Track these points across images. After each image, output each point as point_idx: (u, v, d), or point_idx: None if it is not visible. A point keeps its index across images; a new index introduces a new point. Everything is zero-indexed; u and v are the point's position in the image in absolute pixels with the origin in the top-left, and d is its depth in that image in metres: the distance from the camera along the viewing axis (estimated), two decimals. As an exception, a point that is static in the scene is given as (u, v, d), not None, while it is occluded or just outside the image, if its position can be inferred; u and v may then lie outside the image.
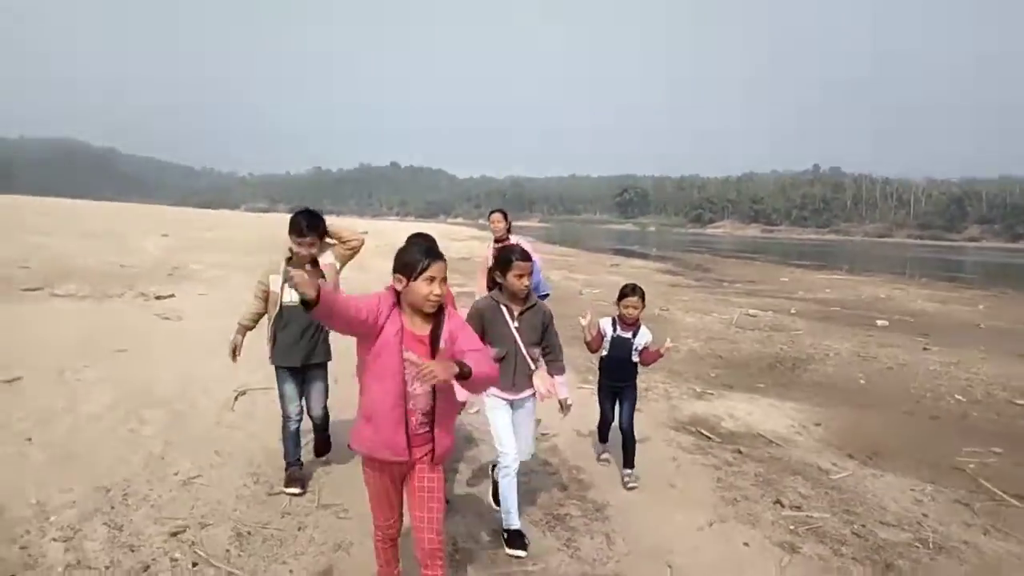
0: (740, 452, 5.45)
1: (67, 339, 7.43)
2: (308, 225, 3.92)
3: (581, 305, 13.89)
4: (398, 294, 2.63)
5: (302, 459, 4.25)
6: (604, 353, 4.75)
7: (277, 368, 4.11)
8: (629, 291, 4.65)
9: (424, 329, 2.63)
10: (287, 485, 4.07)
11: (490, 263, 6.32)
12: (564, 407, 3.86)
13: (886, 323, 14.12)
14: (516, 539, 3.60)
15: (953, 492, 4.81)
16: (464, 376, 2.49)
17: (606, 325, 4.71)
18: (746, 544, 3.81)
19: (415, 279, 2.57)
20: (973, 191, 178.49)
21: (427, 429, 2.65)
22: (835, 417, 6.78)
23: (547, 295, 6.39)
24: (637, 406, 5.54)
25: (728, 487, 4.63)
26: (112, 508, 3.65)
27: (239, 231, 31.36)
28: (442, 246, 6.45)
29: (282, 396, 4.14)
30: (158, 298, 11.22)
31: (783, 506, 4.34)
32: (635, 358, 4.70)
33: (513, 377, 3.64)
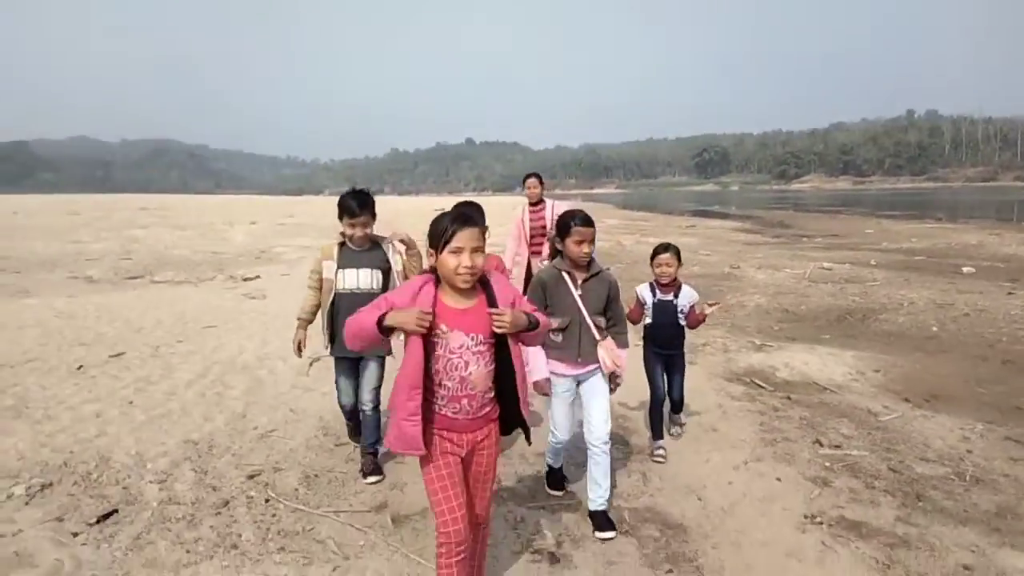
0: (789, 399, 5.53)
1: (164, 319, 8.17)
2: (360, 204, 3.76)
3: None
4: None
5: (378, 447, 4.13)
6: (648, 321, 4.44)
7: (336, 358, 4.01)
8: (661, 249, 4.36)
9: (467, 302, 2.41)
10: (350, 436, 4.45)
11: (525, 228, 6.53)
12: (613, 382, 3.54)
13: (972, 270, 13.51)
14: (556, 478, 3.84)
15: (1007, 430, 4.77)
16: (532, 328, 2.43)
17: (644, 292, 4.43)
18: (778, 479, 3.96)
19: (441, 251, 2.34)
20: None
21: (488, 409, 2.48)
22: (898, 364, 6.70)
23: None
24: (690, 359, 5.66)
25: (770, 430, 4.75)
26: (199, 457, 4.15)
27: (321, 215, 32.64)
28: (512, 218, 6.38)
29: (337, 386, 4.09)
30: (245, 280, 12.03)
31: (822, 445, 4.44)
32: (682, 321, 4.39)
33: (579, 348, 3.42)
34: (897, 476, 3.98)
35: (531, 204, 6.61)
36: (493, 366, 2.43)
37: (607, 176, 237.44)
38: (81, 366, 5.91)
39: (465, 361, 2.37)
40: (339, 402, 4.14)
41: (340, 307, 3.78)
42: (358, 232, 3.80)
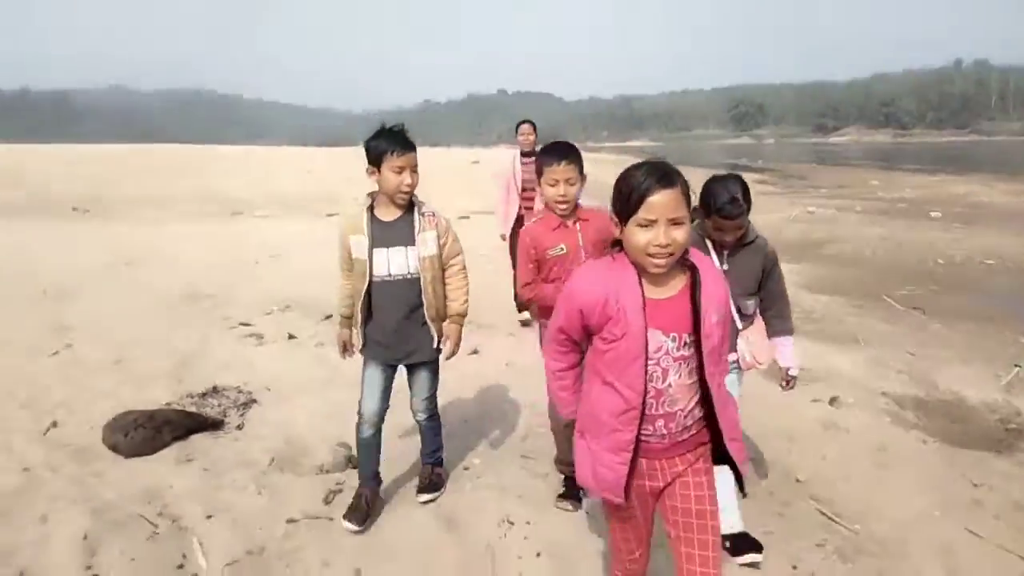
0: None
1: (286, 237, 11.11)
2: (405, 141, 2.85)
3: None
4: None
5: (380, 475, 3.21)
6: None
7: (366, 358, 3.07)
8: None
9: (665, 290, 1.83)
10: (346, 516, 3.01)
11: (517, 180, 6.20)
12: (787, 380, 3.00)
13: (939, 215, 15.70)
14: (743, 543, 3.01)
15: (856, 301, 7.46)
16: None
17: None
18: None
19: (626, 221, 1.79)
20: None
21: (695, 432, 1.92)
22: (818, 271, 9.36)
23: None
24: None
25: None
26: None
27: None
28: (507, 169, 8.73)
29: (363, 385, 3.07)
30: (328, 215, 14.96)
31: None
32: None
33: None
34: (767, 316, 6.73)
35: (523, 154, 6.27)
36: (696, 377, 1.86)
37: (640, 128, 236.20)
38: (257, 261, 8.87)
39: (663, 369, 1.83)
40: (360, 407, 3.09)
41: (378, 300, 2.94)
42: (406, 179, 2.83)
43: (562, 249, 2.93)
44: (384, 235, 2.88)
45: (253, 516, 3.04)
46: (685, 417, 1.87)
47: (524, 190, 6.18)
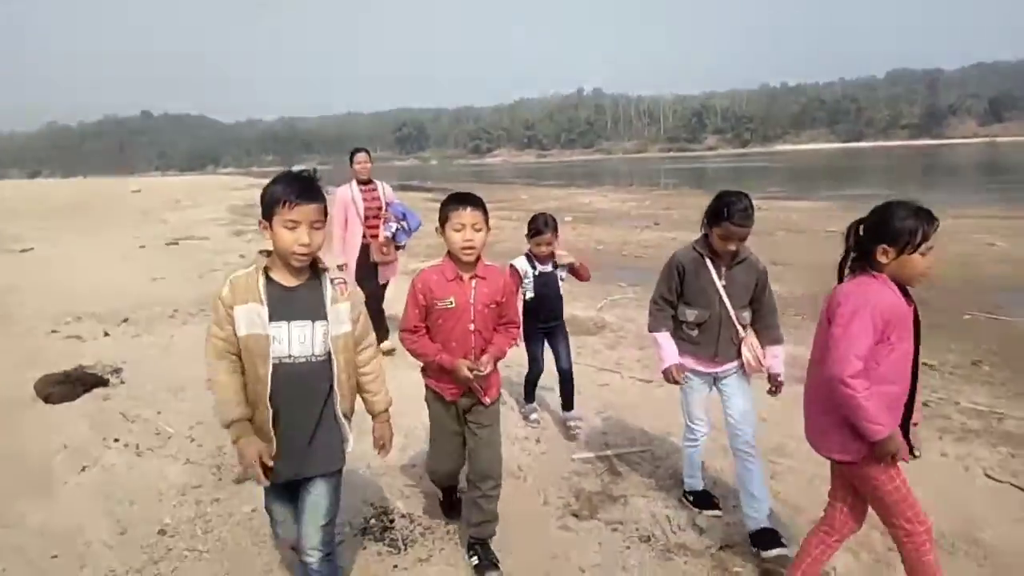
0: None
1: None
2: (308, 185, 2.27)
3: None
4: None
5: None
6: (529, 295, 4.35)
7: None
8: (542, 226, 4.27)
9: None
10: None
11: (359, 208, 6.05)
12: (775, 384, 3.21)
13: (571, 218, 20.07)
14: (704, 500, 3.55)
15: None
16: None
17: (523, 265, 4.33)
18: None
19: (909, 251, 2.20)
20: (710, 105, 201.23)
21: None
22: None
23: (420, 225, 6.30)
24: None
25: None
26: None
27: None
28: (223, 198, 11.26)
29: (269, 512, 2.65)
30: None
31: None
32: (562, 291, 4.46)
33: (716, 346, 3.17)
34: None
35: (360, 182, 6.18)
36: None
37: (307, 151, 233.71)
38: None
39: None
40: (274, 533, 2.78)
41: (281, 388, 2.30)
42: (301, 237, 2.22)
43: (451, 303, 2.82)
44: (284, 305, 2.28)
45: (190, 407, 4.82)
46: None
47: (367, 219, 6.11)
